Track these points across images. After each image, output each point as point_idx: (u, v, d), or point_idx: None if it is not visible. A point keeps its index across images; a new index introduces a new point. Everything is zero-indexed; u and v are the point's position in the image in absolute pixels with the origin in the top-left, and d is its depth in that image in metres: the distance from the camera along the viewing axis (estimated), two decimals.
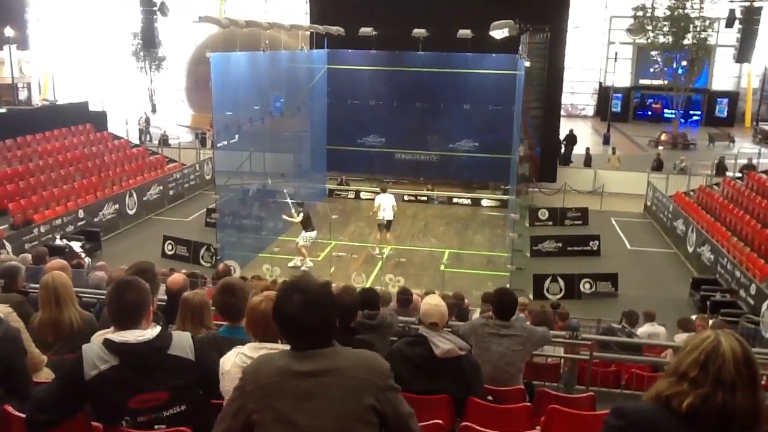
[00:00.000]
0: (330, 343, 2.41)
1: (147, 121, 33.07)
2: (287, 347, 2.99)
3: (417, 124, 23.16)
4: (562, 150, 26.93)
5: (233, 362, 2.97)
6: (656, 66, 36.07)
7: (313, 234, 16.30)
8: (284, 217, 16.75)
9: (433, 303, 4.42)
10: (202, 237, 17.80)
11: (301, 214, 16.25)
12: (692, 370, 1.94)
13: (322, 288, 2.47)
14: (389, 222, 17.30)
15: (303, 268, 15.87)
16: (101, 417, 2.97)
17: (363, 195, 23.06)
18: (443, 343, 4.24)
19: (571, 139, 28.18)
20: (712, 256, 16.20)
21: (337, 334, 4.15)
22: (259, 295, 3.20)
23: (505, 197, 21.79)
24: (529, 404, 4.50)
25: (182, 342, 3.04)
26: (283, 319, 2.41)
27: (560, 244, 18.07)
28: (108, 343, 2.95)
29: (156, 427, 2.94)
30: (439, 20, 20.52)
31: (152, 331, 3.01)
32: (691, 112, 41.02)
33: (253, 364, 2.53)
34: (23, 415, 3.05)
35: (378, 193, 18.02)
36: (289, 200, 16.80)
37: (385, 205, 17.16)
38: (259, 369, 2.43)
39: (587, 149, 27.62)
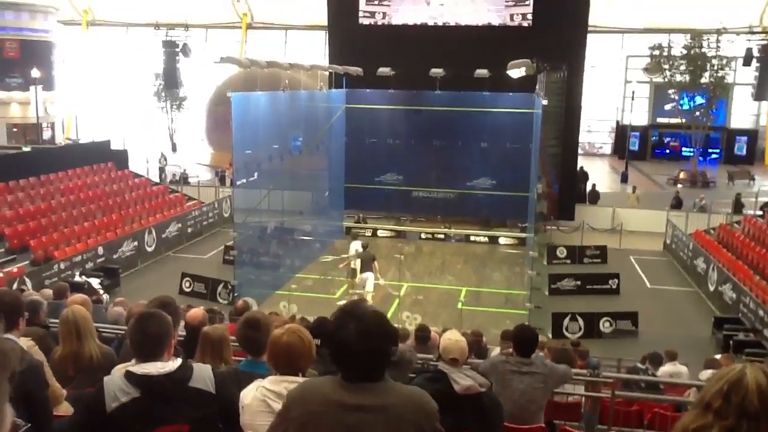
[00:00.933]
0: (382, 377, 2.36)
1: (164, 159, 33.50)
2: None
3: (434, 162, 23.28)
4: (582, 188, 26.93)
5: (253, 396, 2.97)
6: (674, 104, 36.11)
7: (370, 276, 16.12)
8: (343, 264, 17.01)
9: (453, 339, 4.39)
10: (219, 274, 17.86)
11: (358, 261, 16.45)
12: (716, 401, 1.91)
13: (377, 317, 2.43)
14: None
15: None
16: None
17: (380, 233, 23.11)
18: (463, 380, 4.19)
19: (582, 176, 28.03)
20: (734, 295, 15.96)
21: None
22: (281, 328, 3.20)
23: (523, 235, 21.72)
24: None
25: (203, 374, 3.04)
26: (337, 346, 2.35)
27: (579, 282, 17.91)
28: (129, 375, 2.95)
29: None
30: (456, 60, 20.78)
31: (173, 363, 3.01)
32: (710, 150, 40.83)
33: (298, 389, 2.50)
34: None
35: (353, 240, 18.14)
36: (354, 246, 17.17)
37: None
38: (306, 395, 2.40)
39: (593, 185, 27.49)
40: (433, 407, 2.38)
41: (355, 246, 17.49)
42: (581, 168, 28.42)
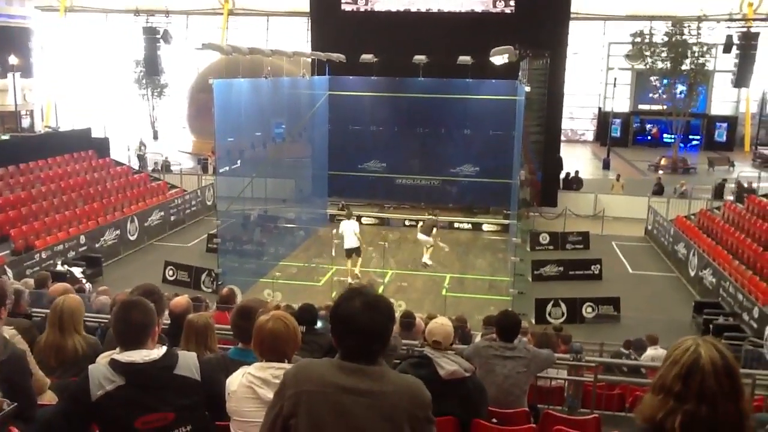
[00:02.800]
0: (378, 362, 2.38)
1: (143, 146, 33.16)
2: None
3: (418, 149, 23.28)
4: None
5: (240, 382, 2.98)
6: (656, 92, 36.39)
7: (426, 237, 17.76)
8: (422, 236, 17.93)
9: (439, 323, 4.44)
10: (203, 262, 17.80)
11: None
12: (675, 385, 1.94)
13: (382, 297, 2.48)
14: (355, 249, 16.81)
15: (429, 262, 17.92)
16: None
17: (364, 220, 23.08)
18: (448, 365, 4.24)
19: (556, 162, 27.84)
20: (714, 280, 16.18)
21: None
22: (266, 314, 3.20)
23: (506, 222, 21.81)
24: (534, 426, 4.48)
25: (188, 362, 3.04)
26: (340, 319, 2.36)
27: (562, 269, 18.05)
28: (114, 363, 2.95)
29: None
30: (439, 47, 20.73)
31: (158, 351, 3.01)
32: (691, 137, 41.22)
33: (294, 368, 2.52)
34: None
35: (342, 220, 18.02)
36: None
37: (347, 232, 16.67)
38: (300, 374, 2.41)
39: (576, 172, 27.54)
40: (427, 397, 2.40)
41: (349, 226, 16.89)
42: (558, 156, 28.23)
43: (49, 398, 3.99)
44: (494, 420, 4.52)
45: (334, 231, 17.73)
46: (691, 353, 1.95)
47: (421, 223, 18.40)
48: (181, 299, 5.33)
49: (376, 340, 2.35)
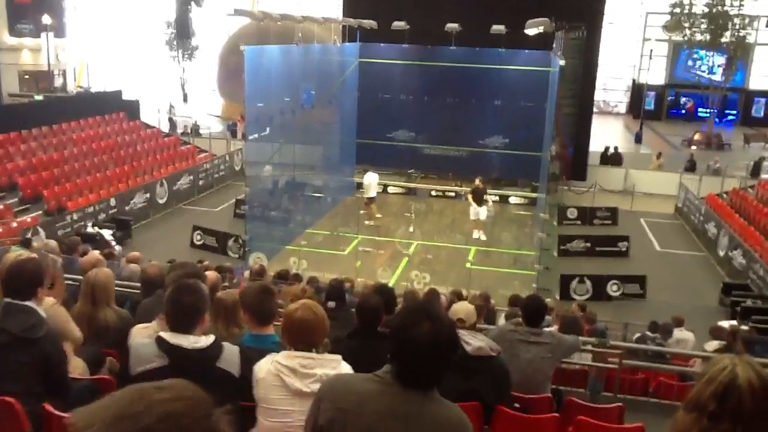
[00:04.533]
0: (435, 387, 2.26)
1: (172, 108, 33.30)
2: (322, 356, 3.03)
3: (447, 119, 23.00)
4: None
5: (267, 370, 3.01)
6: (693, 63, 35.56)
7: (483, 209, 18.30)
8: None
9: (462, 303, 4.44)
10: (230, 228, 17.97)
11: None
12: (710, 404, 1.91)
13: (450, 321, 2.35)
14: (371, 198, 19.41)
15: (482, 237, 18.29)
16: None
17: (391, 189, 23.09)
18: (474, 341, 4.24)
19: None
20: (744, 261, 15.94)
21: (365, 340, 4.20)
22: (296, 302, 3.23)
23: (534, 195, 21.64)
24: (556, 415, 4.49)
25: (231, 357, 3.10)
26: (403, 344, 2.22)
27: (588, 244, 17.92)
28: (162, 342, 3.00)
29: None
30: (472, 15, 20.36)
31: (206, 340, 3.07)
32: (727, 112, 40.28)
33: (332, 381, 2.47)
34: (64, 415, 3.12)
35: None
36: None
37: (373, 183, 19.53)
38: (338, 389, 2.35)
39: (615, 148, 27.02)
40: (470, 429, 2.31)
41: (371, 179, 19.52)
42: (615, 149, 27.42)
43: (80, 371, 4.09)
44: (517, 405, 4.53)
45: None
46: (728, 372, 1.93)
47: (470, 196, 18.60)
48: (211, 275, 5.39)
49: (436, 368, 2.25)
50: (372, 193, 19.55)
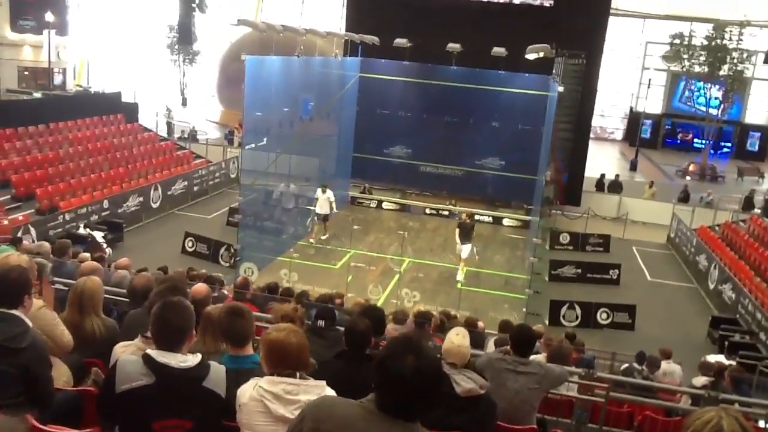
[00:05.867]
0: (414, 420, 2.29)
1: (169, 114, 33.24)
2: (306, 382, 2.99)
3: (444, 137, 23.08)
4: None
5: (250, 395, 2.97)
6: (690, 94, 35.83)
7: (468, 247, 16.76)
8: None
9: (456, 343, 4.40)
10: (222, 236, 17.89)
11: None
12: None
13: (435, 356, 2.38)
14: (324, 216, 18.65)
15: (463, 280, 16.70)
16: None
17: (385, 205, 23.11)
18: (465, 382, 4.23)
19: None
20: (733, 295, 15.98)
21: (352, 362, 4.18)
22: (280, 326, 3.19)
23: (527, 218, 21.69)
24: None
25: (218, 377, 3.07)
26: (387, 375, 2.25)
27: (580, 270, 17.94)
28: (148, 360, 2.97)
29: None
30: (473, 36, 20.46)
31: (193, 359, 3.04)
32: (722, 144, 40.57)
33: (317, 402, 2.50)
34: (46, 428, 3.08)
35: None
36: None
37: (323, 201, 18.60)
38: (322, 411, 2.39)
39: (616, 176, 27.23)
40: None
41: (324, 195, 18.56)
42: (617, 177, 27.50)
43: (64, 382, 4.03)
44: None
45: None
46: (712, 426, 1.92)
47: (457, 230, 17.07)
48: (201, 287, 5.34)
49: (419, 401, 2.26)
50: (326, 210, 18.66)
